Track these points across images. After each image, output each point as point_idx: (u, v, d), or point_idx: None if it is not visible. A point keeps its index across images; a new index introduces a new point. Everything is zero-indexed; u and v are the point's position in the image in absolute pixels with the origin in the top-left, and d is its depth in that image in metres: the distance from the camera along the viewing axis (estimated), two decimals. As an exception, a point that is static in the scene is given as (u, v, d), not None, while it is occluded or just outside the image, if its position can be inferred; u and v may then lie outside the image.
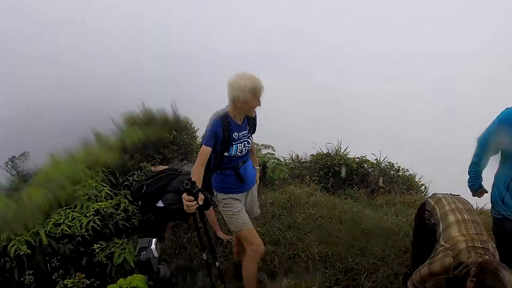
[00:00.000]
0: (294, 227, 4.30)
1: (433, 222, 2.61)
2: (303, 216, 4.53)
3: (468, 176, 2.88)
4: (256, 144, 7.40)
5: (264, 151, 7.01)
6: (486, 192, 2.88)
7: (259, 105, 2.59)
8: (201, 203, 2.21)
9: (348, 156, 6.67)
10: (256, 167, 3.07)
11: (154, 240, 2.02)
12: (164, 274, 2.06)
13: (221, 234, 3.99)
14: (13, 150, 6.23)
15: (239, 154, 2.70)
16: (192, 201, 2.18)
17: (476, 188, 2.89)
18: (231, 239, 3.79)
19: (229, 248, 3.79)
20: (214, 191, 2.83)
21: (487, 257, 2.13)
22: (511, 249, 2.52)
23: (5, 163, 5.94)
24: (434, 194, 2.85)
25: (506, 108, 2.49)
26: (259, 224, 4.29)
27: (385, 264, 3.54)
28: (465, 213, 2.46)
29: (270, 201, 4.99)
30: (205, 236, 2.62)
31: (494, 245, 2.28)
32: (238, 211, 2.76)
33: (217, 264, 2.69)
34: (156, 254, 1.98)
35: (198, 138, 5.60)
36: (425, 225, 2.75)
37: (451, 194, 2.78)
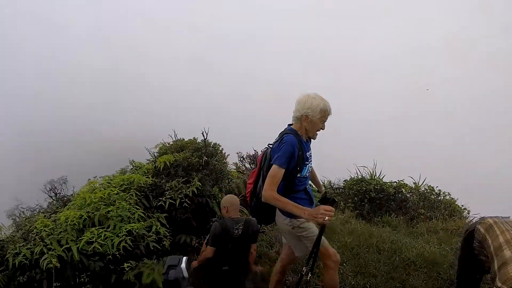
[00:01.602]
0: (329, 256, 4.07)
1: (485, 254, 2.22)
2: (338, 245, 4.30)
3: None
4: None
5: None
6: None
7: (323, 128, 2.59)
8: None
9: (384, 180, 6.36)
10: (322, 189, 3.03)
11: (185, 258, 1.87)
12: None
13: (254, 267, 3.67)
14: (52, 174, 6.52)
15: (307, 175, 2.61)
16: (332, 211, 2.15)
17: None
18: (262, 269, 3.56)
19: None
20: (285, 218, 2.60)
21: None
22: None
23: (43, 185, 6.20)
24: (483, 218, 2.41)
25: None
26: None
27: (428, 297, 3.23)
28: None
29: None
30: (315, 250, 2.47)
31: None
32: (316, 229, 2.61)
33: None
34: (186, 274, 1.82)
35: (228, 165, 5.66)
36: (473, 255, 2.36)
37: (501, 218, 2.34)
